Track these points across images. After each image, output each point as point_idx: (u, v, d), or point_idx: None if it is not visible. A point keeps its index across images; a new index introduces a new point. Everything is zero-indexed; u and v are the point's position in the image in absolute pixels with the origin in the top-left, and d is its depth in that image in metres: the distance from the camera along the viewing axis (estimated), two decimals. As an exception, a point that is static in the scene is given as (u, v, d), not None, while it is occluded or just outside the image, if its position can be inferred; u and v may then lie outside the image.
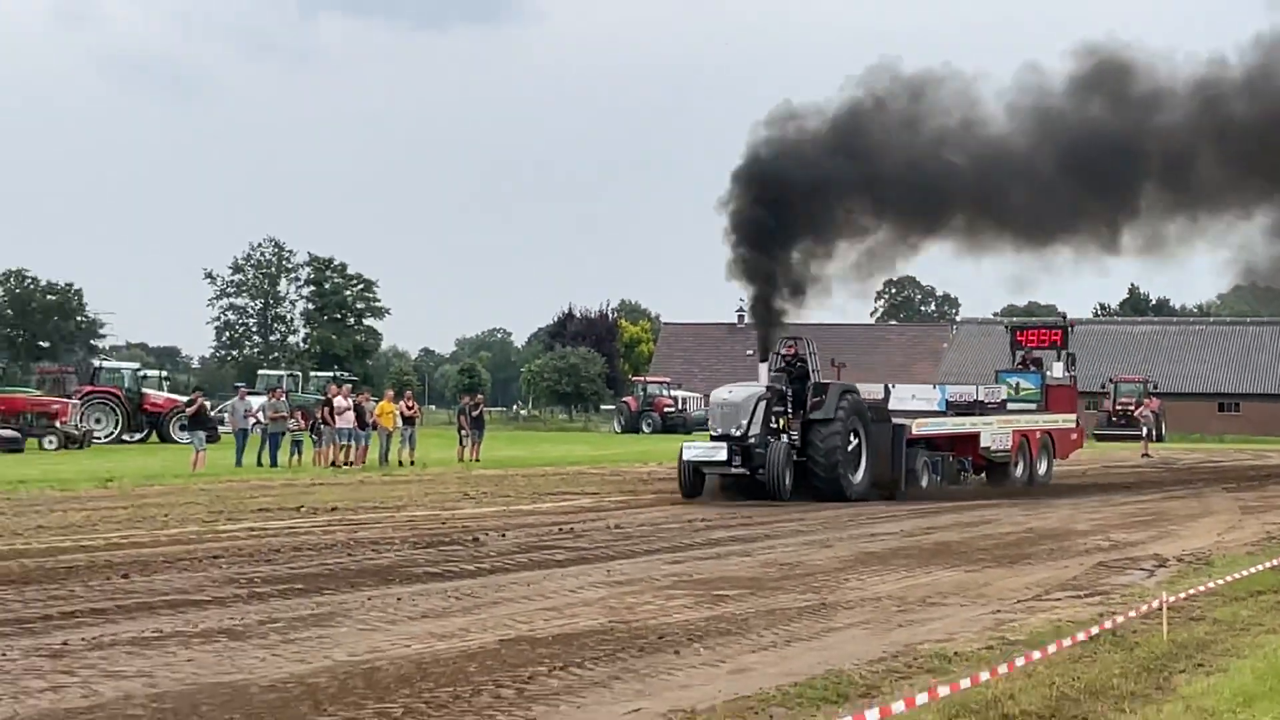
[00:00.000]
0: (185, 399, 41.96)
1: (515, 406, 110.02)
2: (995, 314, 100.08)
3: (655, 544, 17.92)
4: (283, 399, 37.05)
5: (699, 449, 26.11)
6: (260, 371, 74.63)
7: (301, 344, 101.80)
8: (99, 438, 47.02)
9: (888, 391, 29.73)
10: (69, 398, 47.26)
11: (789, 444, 25.59)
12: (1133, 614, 11.10)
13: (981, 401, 31.31)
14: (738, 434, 25.55)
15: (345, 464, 33.73)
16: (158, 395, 51.28)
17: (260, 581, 13.70)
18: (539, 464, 37.16)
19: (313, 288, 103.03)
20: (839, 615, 12.15)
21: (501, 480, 30.14)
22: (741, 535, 19.38)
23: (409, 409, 36.38)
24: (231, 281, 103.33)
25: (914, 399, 30.46)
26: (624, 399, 78.40)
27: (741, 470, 25.51)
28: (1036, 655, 9.10)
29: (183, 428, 42.47)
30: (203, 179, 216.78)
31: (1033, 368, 33.78)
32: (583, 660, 9.93)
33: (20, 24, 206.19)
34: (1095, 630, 10.34)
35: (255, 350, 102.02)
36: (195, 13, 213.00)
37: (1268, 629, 11.50)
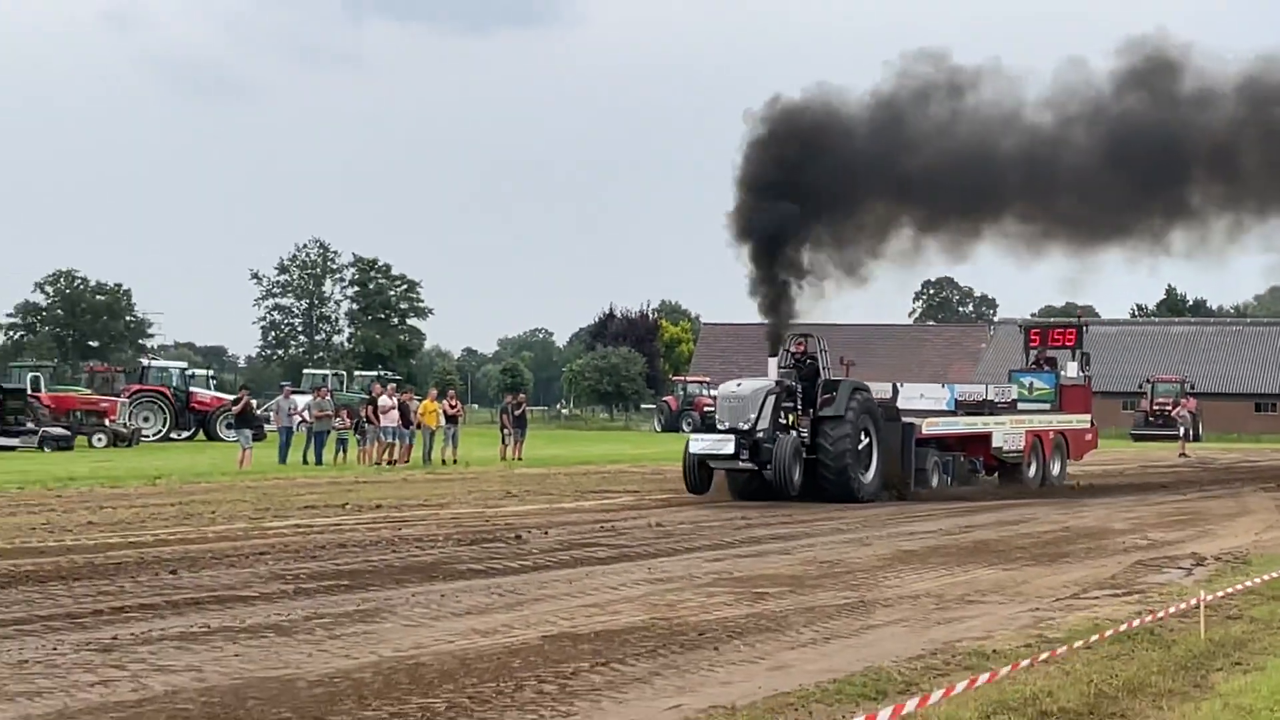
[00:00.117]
0: (231, 398, 42.34)
1: (557, 406, 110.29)
2: (1033, 314, 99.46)
3: (696, 542, 17.99)
4: (328, 398, 37.34)
5: (706, 441, 25.10)
6: (305, 370, 75.10)
7: (346, 344, 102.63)
8: (147, 436, 47.53)
9: (896, 390, 29.25)
10: (118, 396, 48.00)
11: (798, 439, 24.76)
12: (1171, 612, 11.13)
13: (991, 401, 30.76)
14: (745, 427, 24.64)
15: (389, 462, 33.97)
16: (205, 394, 51.93)
17: (306, 578, 13.83)
18: (580, 462, 37.29)
19: (357, 288, 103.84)
20: (878, 613, 12.19)
21: (543, 478, 30.28)
22: (781, 533, 19.41)
23: (452, 408, 36.58)
24: (277, 282, 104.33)
25: (922, 398, 30.06)
26: (664, 398, 78.37)
27: (749, 465, 24.57)
28: (1078, 645, 9.08)
29: (229, 426, 43.00)
30: (249, 181, 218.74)
31: (1047, 367, 33.32)
32: (624, 656, 9.98)
33: (70, 25, 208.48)
34: (1134, 624, 10.36)
35: (300, 350, 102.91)
36: (241, 17, 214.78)
37: (1307, 628, 11.48)
